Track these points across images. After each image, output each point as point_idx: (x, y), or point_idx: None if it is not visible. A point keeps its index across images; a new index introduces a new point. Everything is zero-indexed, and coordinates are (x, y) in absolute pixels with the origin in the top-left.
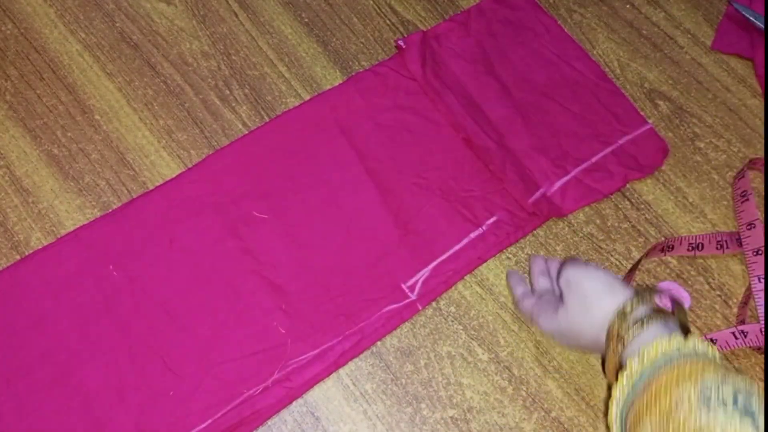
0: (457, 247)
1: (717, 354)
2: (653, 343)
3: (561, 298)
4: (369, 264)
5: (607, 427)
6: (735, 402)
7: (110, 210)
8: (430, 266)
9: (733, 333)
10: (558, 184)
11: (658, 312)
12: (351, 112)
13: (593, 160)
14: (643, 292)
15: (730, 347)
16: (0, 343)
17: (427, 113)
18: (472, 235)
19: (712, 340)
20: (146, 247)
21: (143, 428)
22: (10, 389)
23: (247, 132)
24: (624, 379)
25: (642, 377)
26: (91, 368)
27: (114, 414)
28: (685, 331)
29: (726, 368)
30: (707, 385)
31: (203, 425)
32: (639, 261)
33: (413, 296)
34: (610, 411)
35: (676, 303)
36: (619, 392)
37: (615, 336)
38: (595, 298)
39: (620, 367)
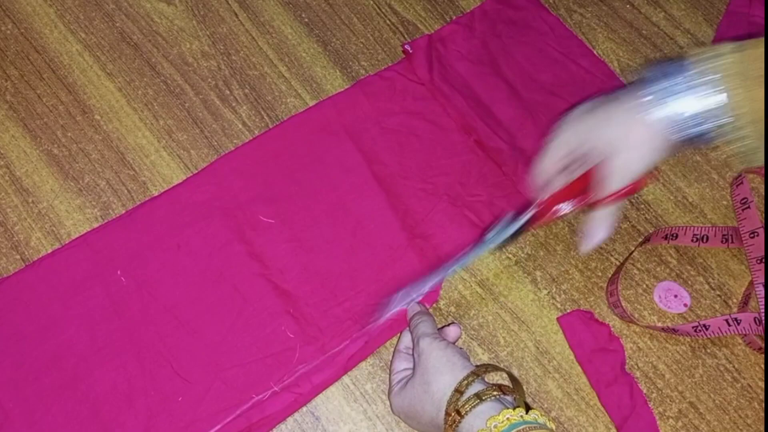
0: (464, 252)
1: (554, 426)
2: (499, 415)
3: (413, 372)
4: (376, 268)
5: None
6: None
7: (112, 211)
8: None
9: (726, 320)
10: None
11: (493, 388)
12: (358, 116)
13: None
14: (479, 369)
15: (722, 333)
16: (8, 349)
17: (434, 118)
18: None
19: (705, 326)
20: (154, 252)
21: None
22: (19, 395)
23: (248, 132)
24: None
25: None
26: (99, 374)
27: (123, 420)
28: (525, 406)
29: None
30: None
31: (212, 430)
32: (640, 245)
33: (419, 301)
34: None
35: (514, 379)
36: None
37: (453, 412)
38: (435, 374)
39: None
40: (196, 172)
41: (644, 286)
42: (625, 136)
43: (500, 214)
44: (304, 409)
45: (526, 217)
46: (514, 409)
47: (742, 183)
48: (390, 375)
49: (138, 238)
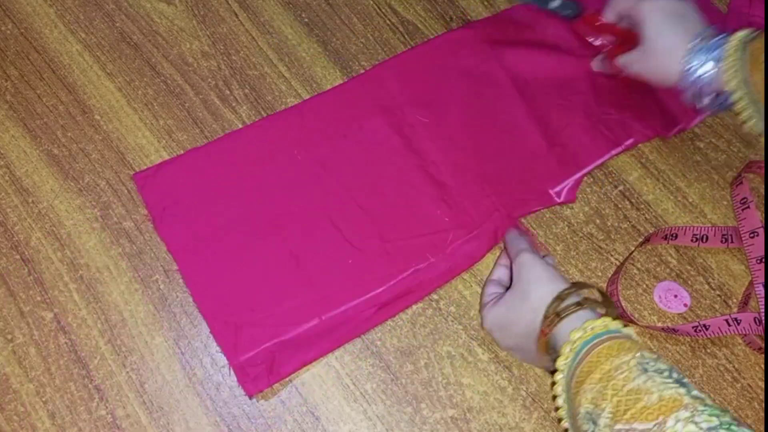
0: (599, 161)
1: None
2: (597, 320)
3: (510, 287)
4: (520, 169)
5: (554, 399)
6: (670, 374)
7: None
8: (575, 176)
9: (726, 320)
10: (698, 119)
11: (591, 300)
12: (503, 38)
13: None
14: (579, 284)
15: (722, 333)
16: (203, 210)
17: (571, 47)
18: (612, 152)
19: (705, 326)
20: (323, 139)
21: (324, 289)
22: (206, 249)
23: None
24: (567, 349)
25: (584, 347)
26: (275, 238)
27: (293, 280)
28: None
29: (659, 354)
30: (645, 358)
31: (379, 290)
32: (640, 245)
33: (559, 201)
34: (555, 384)
35: (606, 298)
36: (562, 363)
37: (552, 314)
38: (535, 285)
39: (549, 346)
40: (358, 75)
41: (644, 286)
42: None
43: (630, 132)
44: (305, 409)
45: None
46: (614, 318)
47: (741, 183)
48: (482, 297)
49: (310, 126)
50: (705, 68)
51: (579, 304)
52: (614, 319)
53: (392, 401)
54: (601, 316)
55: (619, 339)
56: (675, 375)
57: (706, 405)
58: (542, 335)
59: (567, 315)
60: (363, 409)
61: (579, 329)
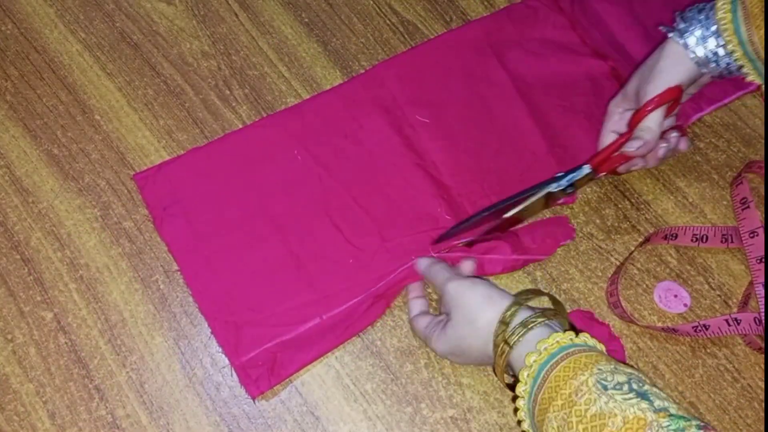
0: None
1: (604, 348)
2: (548, 338)
3: (448, 315)
4: (520, 170)
5: (519, 423)
6: (630, 387)
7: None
8: None
9: (726, 320)
10: (695, 117)
11: (538, 314)
12: (503, 37)
13: (726, 101)
14: (520, 298)
15: (722, 333)
16: (203, 210)
17: (572, 45)
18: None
19: (705, 326)
20: (323, 138)
21: (324, 289)
22: (206, 249)
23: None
24: (525, 375)
25: (541, 370)
26: (276, 239)
27: (293, 280)
28: (572, 329)
29: (615, 360)
30: (603, 372)
31: (379, 285)
32: (640, 245)
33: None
34: (518, 410)
35: (556, 302)
36: (522, 389)
37: (501, 342)
38: (477, 310)
39: (508, 370)
40: (358, 75)
41: (644, 286)
42: (658, 58)
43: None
44: (305, 409)
45: (586, 170)
46: (564, 332)
47: (741, 183)
48: (420, 332)
49: (310, 125)
50: (710, 47)
51: (524, 325)
52: (565, 327)
53: (392, 401)
54: (551, 332)
55: (575, 354)
56: (635, 386)
57: (670, 416)
58: (497, 366)
59: (516, 342)
60: (363, 408)
61: (533, 352)
